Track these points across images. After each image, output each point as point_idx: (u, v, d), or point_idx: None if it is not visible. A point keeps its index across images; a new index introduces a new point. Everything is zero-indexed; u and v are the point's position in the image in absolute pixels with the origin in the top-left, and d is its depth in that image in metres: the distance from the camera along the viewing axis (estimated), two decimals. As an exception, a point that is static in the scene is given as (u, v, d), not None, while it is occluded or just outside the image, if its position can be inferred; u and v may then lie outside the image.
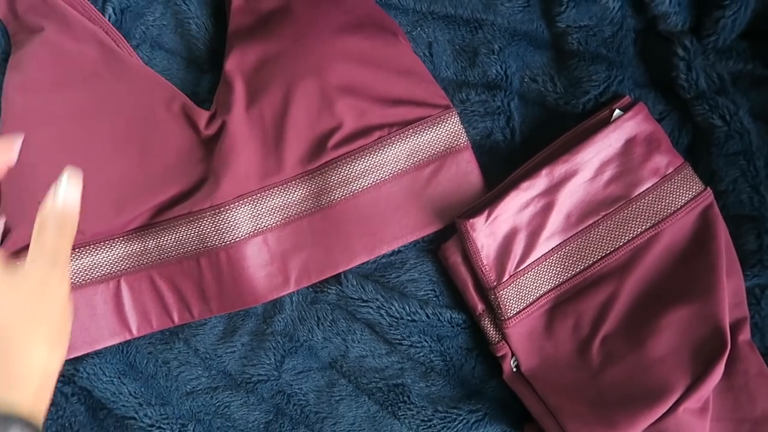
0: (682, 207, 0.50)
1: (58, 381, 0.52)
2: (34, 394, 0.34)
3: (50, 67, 0.50)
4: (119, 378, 0.52)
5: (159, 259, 0.51)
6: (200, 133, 0.51)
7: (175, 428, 0.52)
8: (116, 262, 0.51)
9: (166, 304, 0.51)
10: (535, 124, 0.54)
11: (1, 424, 0.31)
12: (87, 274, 0.51)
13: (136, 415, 0.52)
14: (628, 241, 0.50)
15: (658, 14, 0.51)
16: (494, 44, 0.53)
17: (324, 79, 0.50)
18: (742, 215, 0.51)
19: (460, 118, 0.52)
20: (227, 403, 0.53)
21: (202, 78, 0.54)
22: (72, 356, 0.51)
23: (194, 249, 0.51)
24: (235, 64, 0.51)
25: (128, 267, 0.51)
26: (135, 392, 0.52)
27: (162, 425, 0.52)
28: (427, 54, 0.54)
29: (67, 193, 0.38)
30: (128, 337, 0.51)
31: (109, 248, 0.51)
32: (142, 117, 0.51)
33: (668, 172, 0.51)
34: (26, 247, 0.37)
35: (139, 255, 0.51)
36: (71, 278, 0.50)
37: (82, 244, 0.50)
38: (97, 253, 0.51)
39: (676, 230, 0.50)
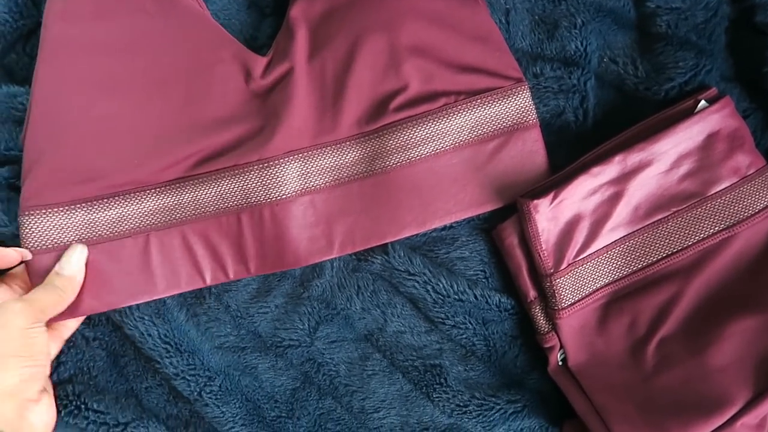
0: (760, 211, 0.47)
1: (82, 323, 0.50)
2: None
3: None
4: (151, 318, 0.49)
5: (194, 214, 0.48)
6: (254, 82, 0.48)
7: (201, 381, 0.49)
8: (146, 215, 0.48)
9: (198, 264, 0.48)
10: (610, 108, 0.51)
11: None
12: (114, 227, 0.47)
13: (161, 361, 0.49)
14: (698, 241, 0.47)
15: (759, 3, 0.48)
16: (577, 18, 0.50)
17: (394, 36, 0.47)
18: (821, 227, 0.48)
19: (531, 93, 0.49)
20: (255, 365, 0.50)
21: (264, 22, 0.51)
22: (94, 312, 0.48)
23: (236, 204, 0.48)
24: (301, 11, 0.48)
25: (159, 222, 0.48)
26: (165, 335, 0.49)
27: (187, 376, 0.49)
28: (503, 21, 0.51)
29: (78, 264, 0.46)
30: (153, 297, 0.48)
31: (140, 200, 0.48)
32: (189, 60, 0.48)
33: (749, 173, 0.47)
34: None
35: (172, 210, 0.48)
36: (99, 230, 0.48)
37: (111, 194, 0.47)
38: (126, 205, 0.47)
39: (751, 235, 0.47)
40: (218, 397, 0.50)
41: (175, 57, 0.48)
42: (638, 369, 0.47)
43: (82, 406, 0.50)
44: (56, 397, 0.49)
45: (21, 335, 0.42)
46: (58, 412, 0.49)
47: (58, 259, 0.47)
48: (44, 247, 0.47)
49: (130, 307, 0.49)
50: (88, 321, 0.50)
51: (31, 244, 0.47)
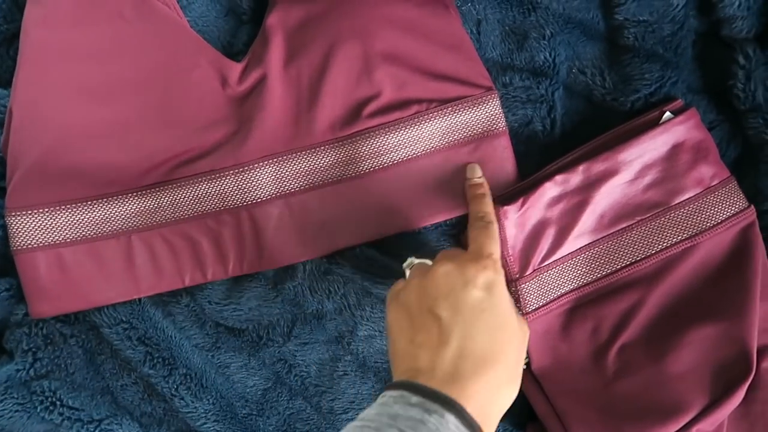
0: (722, 222, 0.48)
1: (59, 321, 0.51)
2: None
3: (73, 4, 0.48)
4: (128, 317, 0.51)
5: (173, 217, 0.49)
6: (230, 87, 0.50)
7: (178, 378, 0.51)
8: (128, 217, 0.49)
9: (179, 265, 0.50)
10: (577, 117, 0.52)
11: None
12: (98, 228, 0.49)
13: (137, 359, 0.51)
14: (661, 250, 0.48)
15: (724, 17, 0.48)
16: (546, 29, 0.51)
17: (368, 44, 0.48)
18: (784, 239, 0.49)
19: (501, 102, 0.50)
20: (228, 364, 0.52)
21: (240, 29, 0.52)
22: (76, 310, 0.50)
23: (214, 207, 0.49)
24: (277, 19, 0.49)
25: (140, 224, 0.49)
26: (142, 334, 0.51)
27: (163, 373, 0.50)
28: (475, 32, 0.52)
29: None
30: (134, 296, 0.50)
31: (122, 203, 0.49)
32: (166, 65, 0.49)
33: (712, 184, 0.48)
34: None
35: (152, 212, 0.49)
36: (83, 230, 0.49)
37: (94, 196, 0.49)
38: (109, 207, 0.49)
39: (713, 245, 0.48)
40: (193, 393, 0.51)
41: (152, 63, 0.49)
42: (600, 374, 0.47)
43: (58, 402, 0.51)
44: (32, 393, 0.50)
45: None
46: (34, 407, 0.50)
47: (45, 257, 0.48)
48: (31, 246, 0.48)
49: (107, 306, 0.50)
50: (66, 318, 0.51)
51: (19, 243, 0.48)
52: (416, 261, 0.44)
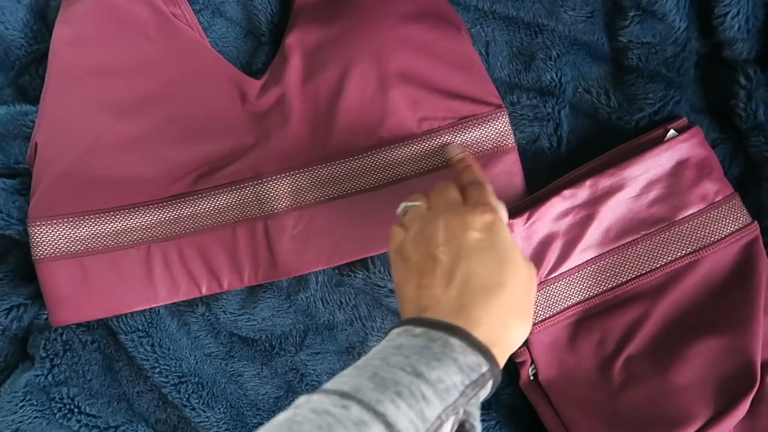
0: (726, 237, 0.49)
1: (80, 326, 0.53)
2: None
3: (100, 24, 0.51)
4: (144, 325, 0.52)
5: (192, 227, 0.51)
6: (249, 103, 0.52)
7: (190, 387, 0.52)
8: (149, 228, 0.51)
9: (196, 274, 0.51)
10: (583, 135, 0.53)
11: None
12: (119, 238, 0.51)
13: (151, 367, 0.52)
14: (666, 264, 0.49)
15: (725, 39, 0.50)
16: (552, 50, 0.53)
17: (383, 64, 0.50)
18: (787, 254, 0.50)
19: (509, 120, 0.52)
20: (241, 372, 0.53)
21: (259, 49, 0.55)
22: (95, 318, 0.52)
23: (232, 218, 0.51)
24: (296, 39, 0.51)
25: (160, 234, 0.51)
26: (157, 343, 0.52)
27: (176, 382, 0.52)
28: (484, 53, 0.54)
29: None
30: (152, 305, 0.51)
31: (143, 214, 0.51)
32: (188, 82, 0.51)
33: (716, 200, 0.49)
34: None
35: (173, 223, 0.51)
36: (104, 241, 0.51)
37: (116, 207, 0.51)
38: (131, 218, 0.51)
39: (716, 260, 0.49)
40: (204, 402, 0.52)
41: (175, 80, 0.51)
42: (606, 386, 0.48)
43: (76, 410, 0.52)
44: (51, 399, 0.52)
45: None
46: (53, 414, 0.52)
47: (66, 266, 0.50)
48: (54, 255, 0.50)
49: (124, 314, 0.52)
50: (87, 325, 0.53)
51: (41, 253, 0.50)
52: (409, 204, 0.44)
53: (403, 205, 0.44)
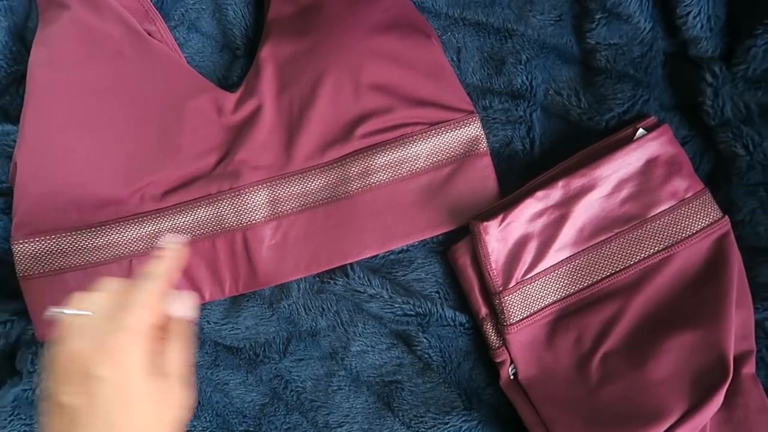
0: (697, 232, 0.50)
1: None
2: None
3: (76, 45, 0.51)
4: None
5: None
6: (225, 116, 0.52)
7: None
8: (129, 243, 0.52)
9: (178, 286, 0.52)
10: (555, 137, 0.54)
11: None
12: (101, 254, 0.52)
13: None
14: (639, 260, 0.50)
15: (689, 38, 0.51)
16: (522, 54, 0.54)
17: (355, 74, 0.51)
18: (758, 247, 0.51)
19: (481, 124, 0.53)
20: (226, 381, 0.54)
21: (235, 63, 0.56)
22: None
23: (211, 230, 0.52)
24: (270, 52, 0.52)
25: (140, 249, 0.52)
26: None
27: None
28: (455, 59, 0.55)
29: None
30: None
31: (123, 229, 0.52)
32: (164, 98, 0.52)
33: (687, 197, 0.50)
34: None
35: (153, 237, 0.52)
36: (86, 256, 0.51)
37: (97, 224, 0.51)
38: (112, 233, 0.52)
39: (689, 255, 0.50)
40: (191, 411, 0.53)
41: (150, 96, 0.52)
42: (584, 383, 0.49)
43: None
44: (39, 414, 0.52)
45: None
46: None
47: (50, 283, 0.51)
48: (38, 272, 0.51)
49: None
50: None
51: (25, 270, 0.51)
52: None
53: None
